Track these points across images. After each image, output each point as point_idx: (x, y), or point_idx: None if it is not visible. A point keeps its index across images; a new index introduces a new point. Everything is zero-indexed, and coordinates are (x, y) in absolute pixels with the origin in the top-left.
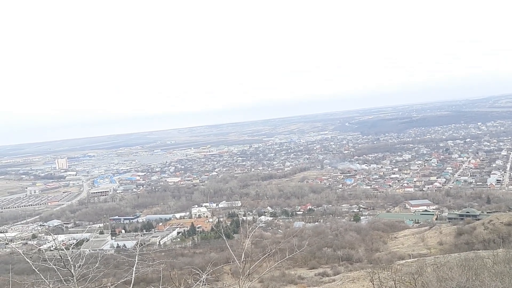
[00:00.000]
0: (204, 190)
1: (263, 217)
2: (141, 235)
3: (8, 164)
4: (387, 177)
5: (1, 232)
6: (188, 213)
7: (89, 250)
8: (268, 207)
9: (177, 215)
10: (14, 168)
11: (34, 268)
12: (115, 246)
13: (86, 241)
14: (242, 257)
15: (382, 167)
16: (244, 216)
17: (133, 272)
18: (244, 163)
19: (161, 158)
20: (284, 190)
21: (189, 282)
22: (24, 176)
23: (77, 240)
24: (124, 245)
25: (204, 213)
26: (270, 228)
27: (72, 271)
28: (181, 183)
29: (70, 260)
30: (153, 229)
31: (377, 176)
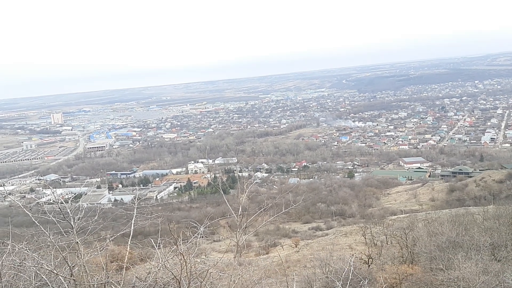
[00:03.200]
0: (200, 147)
1: (258, 173)
2: (138, 190)
3: (3, 118)
4: (382, 134)
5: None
6: (184, 168)
7: (87, 204)
8: (264, 164)
9: (174, 171)
10: (9, 123)
11: (34, 220)
12: (112, 200)
13: (84, 195)
14: (239, 211)
15: (377, 125)
16: (240, 172)
17: (132, 225)
18: (240, 120)
19: (156, 114)
20: (279, 147)
21: (187, 235)
22: (19, 130)
23: (75, 194)
24: (122, 199)
25: (200, 169)
26: (265, 184)
27: (72, 223)
28: (177, 139)
29: (69, 212)
30: (150, 184)
31: (372, 134)
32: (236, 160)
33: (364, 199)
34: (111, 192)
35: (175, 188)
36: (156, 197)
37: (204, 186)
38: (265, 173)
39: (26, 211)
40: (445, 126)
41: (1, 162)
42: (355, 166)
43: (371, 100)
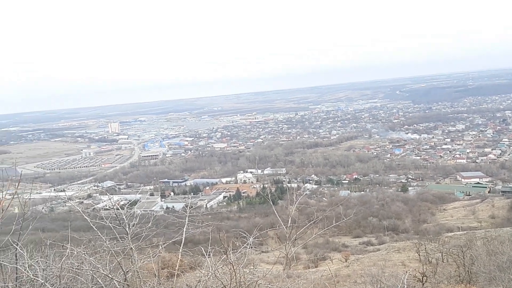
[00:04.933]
0: (250, 157)
1: (308, 184)
2: (194, 197)
3: (64, 127)
4: (438, 147)
5: (60, 191)
6: (233, 178)
7: (141, 211)
8: (313, 175)
9: (223, 180)
10: (70, 131)
11: (92, 225)
12: (164, 207)
13: (139, 202)
14: (289, 222)
15: (433, 137)
16: (288, 183)
17: (183, 233)
18: (289, 130)
19: (208, 124)
20: (329, 159)
21: (237, 244)
22: (79, 138)
23: (129, 201)
24: (173, 206)
25: (249, 179)
26: (314, 196)
27: (127, 229)
28: (227, 149)
29: (125, 219)
30: (200, 193)
31: (428, 147)
32: (285, 171)
33: (419, 214)
34: (163, 199)
35: (224, 197)
36: (206, 205)
37: (252, 196)
38: (315, 184)
39: (85, 216)
40: (506, 140)
41: (62, 169)
42: (409, 179)
43: (427, 111)
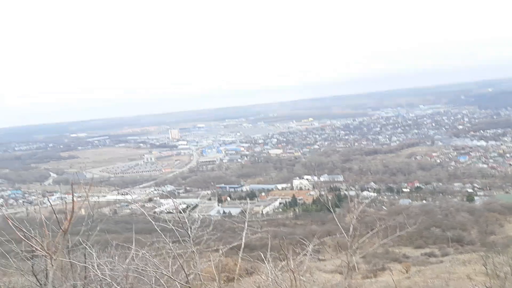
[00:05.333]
0: (306, 163)
1: (366, 192)
2: (247, 204)
3: (128, 133)
4: (508, 155)
5: (124, 194)
6: (289, 184)
7: (199, 215)
8: (372, 183)
9: (279, 186)
10: (133, 137)
11: (156, 227)
12: (221, 212)
13: (196, 206)
14: (350, 230)
15: (502, 144)
16: (346, 190)
17: (243, 238)
18: (347, 137)
19: (264, 130)
20: (389, 166)
21: (297, 251)
22: (141, 144)
23: (187, 205)
24: (230, 212)
25: (305, 186)
26: (373, 204)
27: (189, 232)
28: (283, 155)
29: (187, 222)
30: (256, 198)
31: (496, 154)
32: (342, 178)
33: (486, 226)
34: (220, 204)
35: (280, 203)
36: (262, 211)
37: (309, 203)
38: (373, 192)
39: (150, 219)
40: None
41: (125, 173)
42: (475, 189)
43: (494, 117)
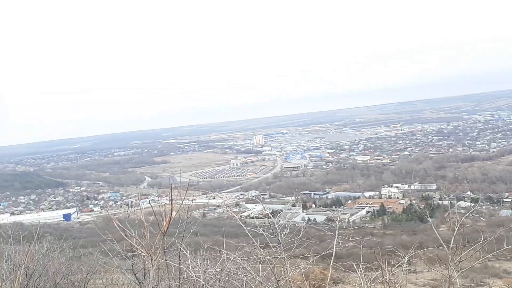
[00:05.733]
0: (395, 170)
1: (462, 202)
2: (330, 211)
3: (215, 139)
4: None
5: (211, 198)
6: (377, 192)
7: (288, 221)
8: (469, 192)
9: (366, 194)
10: (219, 143)
11: (247, 232)
12: (306, 219)
13: (280, 212)
14: (452, 243)
15: None
16: (439, 199)
17: (334, 246)
18: (440, 142)
19: (349, 136)
20: (488, 174)
21: (391, 263)
22: (228, 150)
23: (271, 211)
24: (315, 219)
25: (394, 194)
26: (470, 215)
27: (279, 238)
28: (370, 161)
29: (277, 228)
30: (342, 206)
31: None
32: (435, 187)
33: None
34: (304, 211)
35: (367, 212)
36: (348, 220)
37: (398, 212)
38: (470, 202)
39: (241, 224)
40: None
41: (213, 178)
42: None
43: None
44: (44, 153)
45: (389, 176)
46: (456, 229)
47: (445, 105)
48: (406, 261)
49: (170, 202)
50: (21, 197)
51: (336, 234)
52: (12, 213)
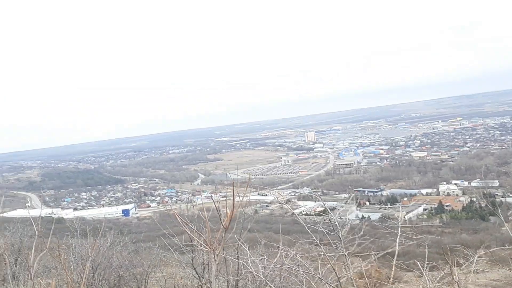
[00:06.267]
0: (454, 167)
1: None
2: (385, 209)
3: (266, 137)
4: None
5: (263, 195)
6: (435, 189)
7: (348, 218)
8: None
9: (423, 191)
10: (271, 140)
11: (307, 229)
12: (360, 216)
13: (333, 209)
14: None
15: None
16: (502, 197)
17: (397, 245)
18: (503, 137)
19: (405, 132)
20: None
21: (461, 262)
22: (279, 147)
23: (324, 208)
24: (369, 216)
25: (453, 191)
26: None
27: (340, 235)
28: (427, 158)
29: (337, 225)
30: (397, 204)
31: None
32: (498, 184)
33: None
34: (358, 208)
35: (424, 209)
36: (404, 217)
37: (457, 210)
38: None
39: (300, 221)
40: None
41: (264, 175)
42: None
43: None
44: (104, 151)
45: (447, 173)
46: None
47: (507, 98)
48: (475, 260)
49: (233, 197)
50: (83, 193)
51: (399, 232)
52: (75, 209)
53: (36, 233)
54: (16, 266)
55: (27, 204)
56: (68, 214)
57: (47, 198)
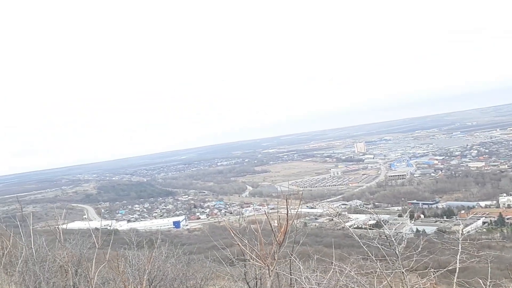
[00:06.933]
0: None
1: None
2: (441, 222)
3: (314, 148)
4: None
5: (312, 208)
6: (494, 201)
7: (405, 233)
8: None
9: (482, 203)
10: (319, 152)
11: (361, 244)
12: (414, 230)
13: (386, 223)
14: None
15: None
16: None
17: (457, 261)
18: None
19: (460, 141)
20: None
21: None
22: (327, 158)
23: (376, 221)
24: (424, 230)
25: None
26: None
27: (397, 251)
28: (486, 168)
29: (394, 240)
30: (454, 217)
31: None
32: None
33: None
34: (412, 221)
35: (483, 223)
36: (462, 231)
37: None
38: None
39: (353, 235)
40: None
41: (313, 187)
42: None
43: None
44: (155, 164)
45: (507, 184)
46: None
47: None
48: None
49: (286, 212)
50: (136, 206)
51: (460, 247)
52: (128, 220)
53: (96, 245)
54: (76, 277)
55: (84, 216)
56: (122, 225)
57: (102, 210)
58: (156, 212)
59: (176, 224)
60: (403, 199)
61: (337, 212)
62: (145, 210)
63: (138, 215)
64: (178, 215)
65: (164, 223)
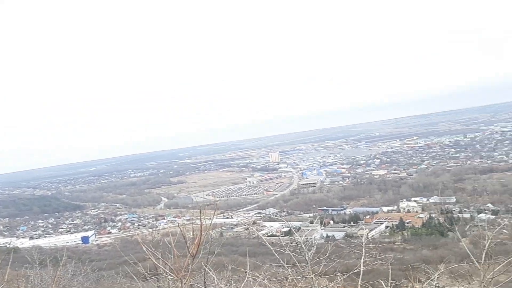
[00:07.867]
0: (413, 184)
1: (482, 215)
2: (348, 227)
3: (231, 158)
4: None
5: (227, 218)
6: (395, 207)
7: (314, 239)
8: (489, 204)
9: (384, 209)
10: (235, 161)
11: (274, 252)
12: (324, 236)
13: (299, 229)
14: (483, 258)
15: None
16: (459, 212)
17: (361, 264)
18: (457, 155)
19: (365, 151)
20: (508, 185)
21: (422, 281)
22: (244, 168)
23: (289, 228)
24: (333, 235)
25: (413, 208)
26: (492, 227)
27: (306, 257)
28: (387, 176)
29: (304, 247)
30: (360, 222)
31: None
32: (455, 200)
33: None
34: (323, 227)
35: (386, 227)
36: (367, 235)
37: (418, 226)
38: (491, 215)
39: (266, 243)
40: None
41: (229, 196)
42: None
43: None
44: (62, 176)
45: (406, 190)
46: (487, 243)
47: (460, 117)
48: (436, 277)
49: (200, 224)
50: (40, 221)
51: (363, 251)
52: (31, 237)
53: None
54: None
55: None
56: (24, 243)
57: (0, 227)
58: (62, 228)
59: (85, 239)
60: (314, 206)
61: (252, 221)
62: (50, 225)
63: (42, 231)
64: (87, 230)
65: (71, 239)
